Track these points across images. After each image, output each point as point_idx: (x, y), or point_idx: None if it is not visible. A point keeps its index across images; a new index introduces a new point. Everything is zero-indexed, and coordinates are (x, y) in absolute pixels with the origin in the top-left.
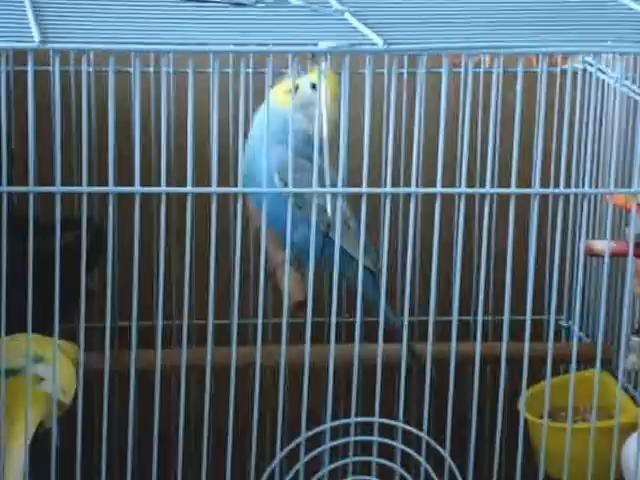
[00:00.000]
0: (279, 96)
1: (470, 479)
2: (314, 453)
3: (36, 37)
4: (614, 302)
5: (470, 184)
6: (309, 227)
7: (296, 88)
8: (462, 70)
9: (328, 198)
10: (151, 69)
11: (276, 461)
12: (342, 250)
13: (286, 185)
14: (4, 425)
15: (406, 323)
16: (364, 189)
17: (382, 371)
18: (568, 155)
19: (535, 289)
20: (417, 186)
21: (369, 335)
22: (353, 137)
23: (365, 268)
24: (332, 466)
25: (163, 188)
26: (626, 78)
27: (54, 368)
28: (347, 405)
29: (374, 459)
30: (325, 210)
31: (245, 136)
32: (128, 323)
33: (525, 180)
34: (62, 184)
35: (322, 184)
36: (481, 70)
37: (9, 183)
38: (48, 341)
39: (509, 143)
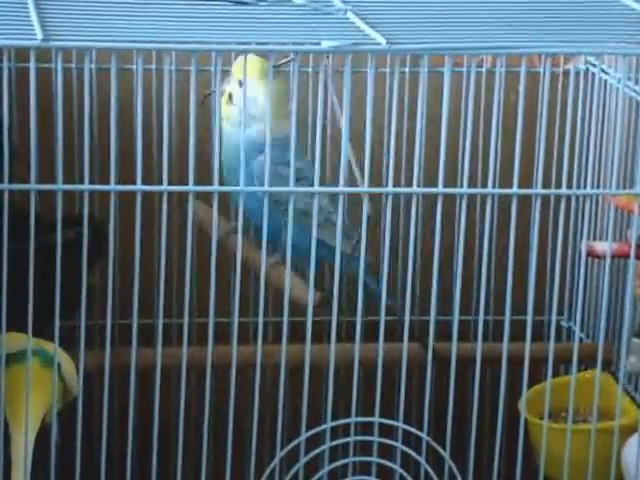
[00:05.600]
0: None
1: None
2: (314, 453)
3: (39, 35)
4: (615, 303)
5: (472, 184)
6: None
7: (230, 96)
8: (464, 70)
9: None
10: (153, 67)
11: (276, 460)
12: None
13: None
14: (11, 413)
15: (407, 323)
16: (365, 189)
17: (382, 371)
18: (570, 156)
19: (536, 289)
20: (419, 186)
21: (370, 334)
22: (354, 136)
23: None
24: (332, 466)
25: (164, 187)
26: (629, 79)
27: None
28: (347, 405)
29: (374, 459)
30: (306, 213)
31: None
32: (129, 321)
33: (527, 181)
34: (64, 182)
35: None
36: (483, 70)
37: (11, 180)
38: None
39: (511, 143)
